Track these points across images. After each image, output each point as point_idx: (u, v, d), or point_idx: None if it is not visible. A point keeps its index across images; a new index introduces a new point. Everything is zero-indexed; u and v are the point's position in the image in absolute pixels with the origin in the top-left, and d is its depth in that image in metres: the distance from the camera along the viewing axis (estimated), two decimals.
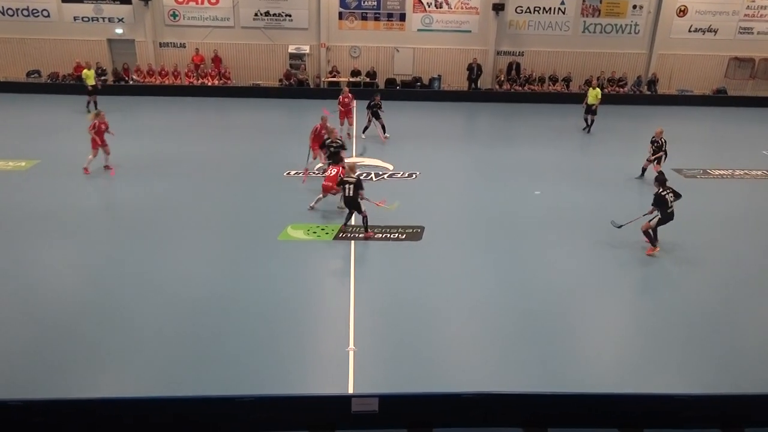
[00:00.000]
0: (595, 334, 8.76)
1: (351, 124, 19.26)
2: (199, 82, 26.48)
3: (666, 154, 15.45)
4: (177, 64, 26.57)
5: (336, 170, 12.63)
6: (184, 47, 26.92)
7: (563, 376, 7.57)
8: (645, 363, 7.99)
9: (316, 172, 14.82)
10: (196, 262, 10.44)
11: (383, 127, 18.99)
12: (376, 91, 20.37)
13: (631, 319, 9.29)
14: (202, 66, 26.71)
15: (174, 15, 26.43)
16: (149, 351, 7.86)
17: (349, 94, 18.75)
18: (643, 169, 15.69)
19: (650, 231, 10.94)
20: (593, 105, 20.69)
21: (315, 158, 14.97)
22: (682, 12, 27.20)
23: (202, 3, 26.25)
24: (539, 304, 9.27)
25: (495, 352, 8.13)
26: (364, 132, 19.19)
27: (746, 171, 16.70)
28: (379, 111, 18.83)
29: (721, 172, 16.53)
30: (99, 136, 14.81)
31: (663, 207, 10.77)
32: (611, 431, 6.77)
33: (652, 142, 15.46)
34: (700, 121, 23.74)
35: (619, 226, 11.34)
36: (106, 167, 15.19)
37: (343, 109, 18.64)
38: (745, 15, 27.20)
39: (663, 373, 7.77)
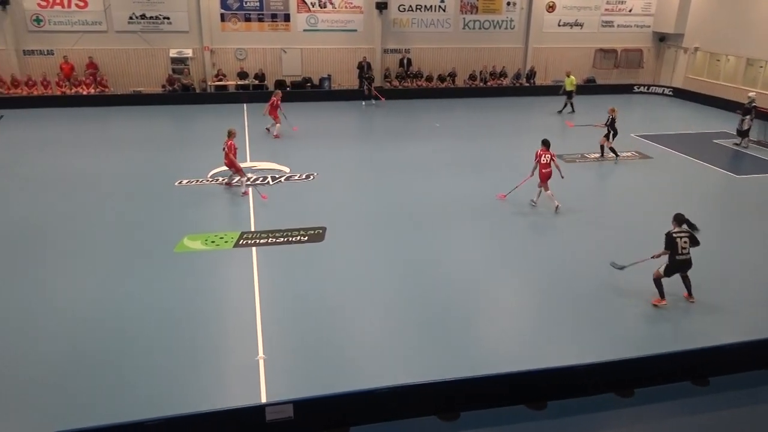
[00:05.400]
0: (496, 315, 9.19)
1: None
2: (73, 91, 24.64)
3: (615, 130, 17.28)
4: (45, 73, 24.57)
5: None
6: (53, 54, 24.91)
7: (471, 359, 7.87)
8: (543, 338, 8.50)
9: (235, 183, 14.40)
10: (85, 282, 9.75)
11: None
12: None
13: (528, 296, 9.82)
14: (74, 74, 24.89)
15: (38, 20, 24.40)
16: (35, 386, 7.25)
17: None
18: (601, 147, 17.54)
19: (661, 280, 9.19)
20: (571, 91, 23.98)
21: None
22: (551, 8, 29.08)
23: (69, 7, 24.43)
24: (442, 292, 9.59)
25: (403, 344, 8.29)
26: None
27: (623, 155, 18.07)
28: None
29: (597, 155, 17.81)
30: None
31: (672, 251, 8.94)
32: (518, 407, 7.16)
33: (607, 120, 17.32)
34: (576, 108, 25.47)
35: (621, 268, 9.70)
36: None
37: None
38: (606, 10, 29.58)
39: (558, 345, 8.30)
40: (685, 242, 8.91)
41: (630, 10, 29.79)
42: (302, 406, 6.58)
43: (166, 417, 6.34)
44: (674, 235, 8.93)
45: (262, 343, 8.16)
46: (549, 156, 13.04)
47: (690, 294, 9.38)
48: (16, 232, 11.73)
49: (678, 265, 9.02)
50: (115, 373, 7.50)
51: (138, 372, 7.52)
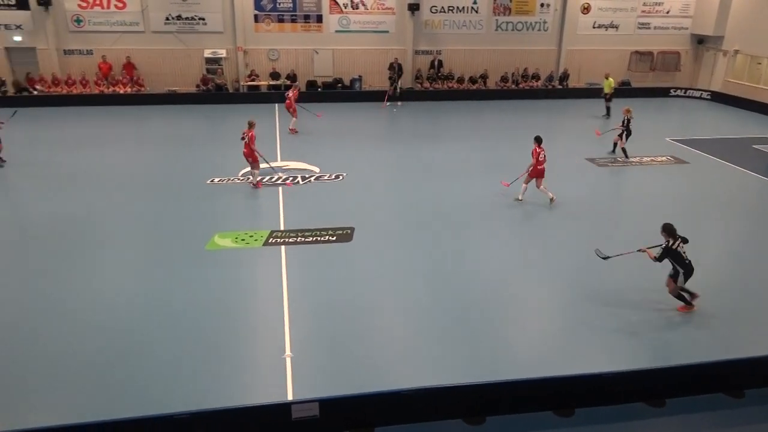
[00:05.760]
0: (524, 319, 9.09)
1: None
2: (110, 90, 25.26)
3: (629, 131, 17.47)
4: (85, 72, 25.23)
5: None
6: (92, 54, 25.57)
7: (498, 363, 7.80)
8: (572, 342, 8.38)
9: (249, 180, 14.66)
10: (119, 277, 9.99)
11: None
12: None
13: (557, 300, 9.68)
14: (112, 73, 25.50)
15: (78, 21, 25.07)
16: (71, 376, 7.44)
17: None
18: (614, 144, 17.86)
19: (681, 292, 9.10)
20: (608, 93, 23.32)
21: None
22: (586, 9, 28.66)
23: (108, 8, 25.04)
24: (471, 295, 9.52)
25: (430, 346, 8.27)
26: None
27: (653, 158, 17.78)
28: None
29: (631, 159, 17.48)
30: None
31: (678, 259, 8.88)
32: (545, 413, 7.06)
33: (622, 121, 17.60)
34: (611, 113, 25.05)
35: (605, 258, 9.53)
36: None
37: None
38: (642, 11, 29.01)
39: (588, 350, 8.17)
40: (684, 248, 8.87)
41: (668, 12, 29.15)
42: (328, 405, 6.61)
43: (194, 411, 6.44)
44: (676, 248, 8.77)
45: (289, 341, 8.22)
46: (543, 153, 13.42)
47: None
48: (53, 227, 12.06)
49: (691, 270, 8.91)
50: (145, 366, 7.65)
51: (167, 366, 7.65)
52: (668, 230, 8.81)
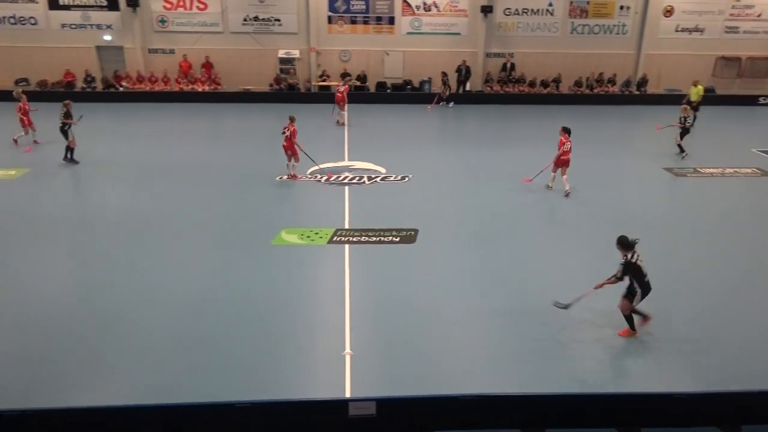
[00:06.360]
0: (592, 331, 8.76)
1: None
2: (189, 87, 26.39)
3: (687, 129, 17.71)
4: (166, 70, 26.47)
5: None
6: (173, 53, 26.81)
7: (563, 375, 7.57)
8: (643, 361, 8.01)
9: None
10: (190, 268, 10.37)
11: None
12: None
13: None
14: (191, 72, 26.62)
15: (162, 21, 26.33)
16: (144, 359, 7.79)
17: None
18: (679, 146, 17.85)
19: (632, 313, 8.32)
20: (695, 102, 21.67)
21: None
22: (669, 12, 27.43)
23: (191, 9, 26.17)
24: (535, 303, 9.27)
25: (492, 352, 8.12)
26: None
27: (736, 169, 16.80)
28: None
29: (712, 170, 16.62)
30: (26, 116, 17.45)
31: (639, 275, 8.06)
32: (609, 431, 6.78)
33: (679, 119, 17.78)
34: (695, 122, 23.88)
35: (565, 307, 8.60)
36: (35, 141, 17.94)
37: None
38: (731, 15, 27.47)
39: (660, 368, 7.79)
40: (642, 261, 8.06)
41: (759, 15, 27.48)
42: (385, 405, 6.60)
43: (254, 401, 6.58)
44: (636, 261, 7.99)
45: (349, 338, 8.28)
46: (570, 144, 13.94)
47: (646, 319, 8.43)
48: (129, 219, 12.67)
49: (649, 288, 8.09)
50: (209, 355, 7.88)
51: (229, 356, 7.86)
52: (623, 243, 8.04)
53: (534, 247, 11.41)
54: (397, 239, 11.61)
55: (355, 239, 11.55)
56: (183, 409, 6.47)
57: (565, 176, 14.08)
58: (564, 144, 13.94)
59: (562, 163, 14.07)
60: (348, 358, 7.84)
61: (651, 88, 27.72)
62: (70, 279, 10.15)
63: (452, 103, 25.96)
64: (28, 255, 10.80)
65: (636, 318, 8.43)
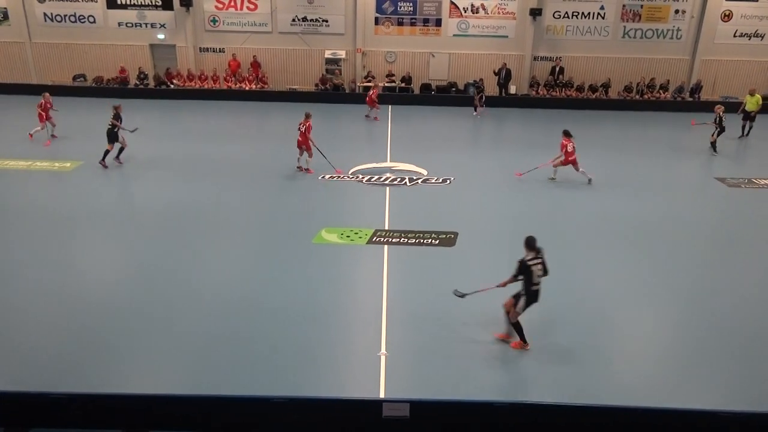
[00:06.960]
0: (633, 345, 8.56)
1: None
2: (237, 86, 26.95)
3: (722, 128, 18.23)
4: (216, 69, 27.09)
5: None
6: (223, 52, 27.44)
7: (597, 387, 7.42)
8: (688, 376, 7.77)
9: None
10: (232, 264, 10.59)
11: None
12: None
13: (671, 329, 9.03)
14: (239, 71, 27.16)
15: (214, 21, 26.97)
16: (183, 351, 8.00)
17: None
18: (712, 144, 18.49)
19: (519, 321, 8.09)
20: (752, 111, 20.87)
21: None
22: (727, 17, 26.49)
23: (241, 9, 26.73)
24: (575, 311, 9.11)
25: (528, 360, 8.01)
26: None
27: None
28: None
29: (767, 181, 15.94)
30: (45, 111, 18.11)
31: (528, 279, 7.87)
32: None
33: (714, 119, 18.30)
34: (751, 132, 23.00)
35: (462, 296, 8.53)
36: (53, 136, 18.63)
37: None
38: None
39: (707, 387, 7.54)
40: (540, 270, 7.87)
41: None
42: (419, 407, 6.58)
43: (290, 396, 6.68)
44: (528, 262, 7.82)
45: (385, 339, 8.29)
46: (572, 144, 14.89)
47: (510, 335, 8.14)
48: (174, 213, 13.00)
49: (533, 296, 7.89)
50: (248, 349, 8.02)
51: (268, 350, 7.98)
52: (527, 243, 7.96)
53: (578, 256, 11.17)
54: (437, 242, 11.57)
55: (394, 240, 11.56)
56: (221, 401, 6.62)
57: (580, 170, 15.10)
58: (566, 146, 14.89)
59: (570, 162, 15.04)
60: (383, 359, 7.85)
61: (705, 95, 26.81)
62: (113, 274, 10.49)
63: (479, 111, 24.41)
64: (72, 249, 11.24)
65: (509, 329, 8.20)
